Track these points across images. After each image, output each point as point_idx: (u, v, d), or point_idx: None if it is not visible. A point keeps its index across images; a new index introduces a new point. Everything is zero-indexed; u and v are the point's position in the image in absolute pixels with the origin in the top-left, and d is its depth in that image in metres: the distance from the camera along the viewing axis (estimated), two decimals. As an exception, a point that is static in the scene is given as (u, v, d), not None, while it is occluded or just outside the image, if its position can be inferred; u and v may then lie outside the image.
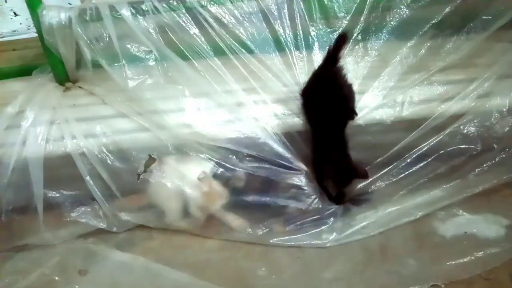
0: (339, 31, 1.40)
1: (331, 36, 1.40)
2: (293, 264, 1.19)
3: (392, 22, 1.41)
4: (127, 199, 1.30)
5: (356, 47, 1.41)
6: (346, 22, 1.41)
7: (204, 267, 1.19)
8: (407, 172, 1.34)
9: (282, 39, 1.39)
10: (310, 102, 1.26)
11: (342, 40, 1.24)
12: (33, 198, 1.25)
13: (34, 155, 1.26)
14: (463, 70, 1.40)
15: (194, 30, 1.35)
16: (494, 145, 1.33)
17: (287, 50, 1.39)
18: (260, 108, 1.34)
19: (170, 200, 1.27)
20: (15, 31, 1.91)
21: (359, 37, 1.41)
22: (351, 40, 1.39)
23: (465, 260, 1.16)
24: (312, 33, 1.41)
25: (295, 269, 1.18)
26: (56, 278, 1.19)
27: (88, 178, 1.27)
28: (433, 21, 1.39)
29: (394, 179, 1.34)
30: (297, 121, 1.32)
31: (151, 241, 1.28)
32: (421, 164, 1.33)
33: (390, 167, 1.34)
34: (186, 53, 1.34)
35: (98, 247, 1.25)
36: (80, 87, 1.46)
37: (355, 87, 1.31)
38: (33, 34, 1.84)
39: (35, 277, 1.19)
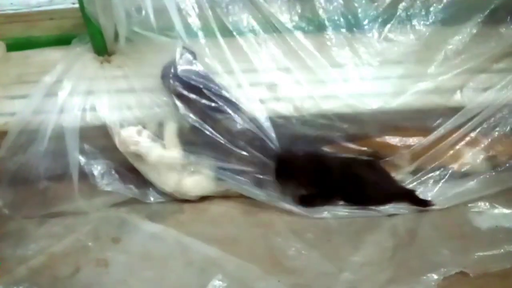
0: (383, 7, 1.37)
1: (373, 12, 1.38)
2: (323, 246, 1.19)
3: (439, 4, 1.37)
4: None
5: (400, 25, 1.38)
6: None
7: (233, 243, 1.20)
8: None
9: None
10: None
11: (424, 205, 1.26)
12: (69, 166, 1.27)
13: (71, 125, 1.28)
14: (507, 59, 1.36)
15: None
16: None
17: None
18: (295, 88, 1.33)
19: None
20: (52, 0, 1.93)
21: (403, 15, 1.38)
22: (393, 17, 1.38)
23: (494, 252, 1.15)
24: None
25: (325, 251, 1.17)
26: (90, 244, 1.21)
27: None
28: (482, 7, 1.35)
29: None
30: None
31: (182, 214, 1.30)
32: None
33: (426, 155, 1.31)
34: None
35: (131, 216, 1.27)
36: (117, 58, 1.47)
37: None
38: (69, 4, 1.86)
39: (69, 241, 1.21)
